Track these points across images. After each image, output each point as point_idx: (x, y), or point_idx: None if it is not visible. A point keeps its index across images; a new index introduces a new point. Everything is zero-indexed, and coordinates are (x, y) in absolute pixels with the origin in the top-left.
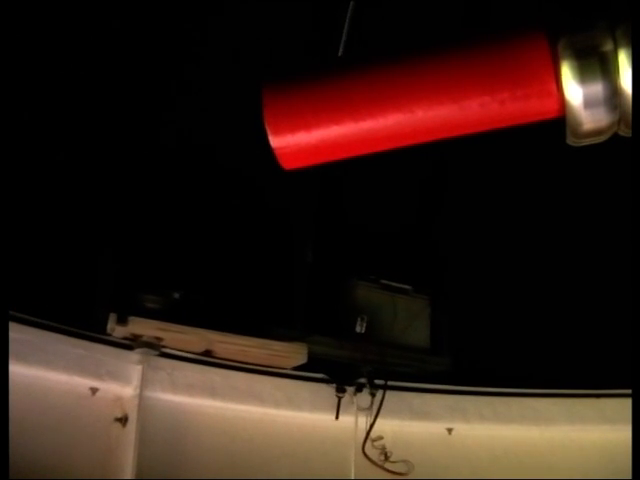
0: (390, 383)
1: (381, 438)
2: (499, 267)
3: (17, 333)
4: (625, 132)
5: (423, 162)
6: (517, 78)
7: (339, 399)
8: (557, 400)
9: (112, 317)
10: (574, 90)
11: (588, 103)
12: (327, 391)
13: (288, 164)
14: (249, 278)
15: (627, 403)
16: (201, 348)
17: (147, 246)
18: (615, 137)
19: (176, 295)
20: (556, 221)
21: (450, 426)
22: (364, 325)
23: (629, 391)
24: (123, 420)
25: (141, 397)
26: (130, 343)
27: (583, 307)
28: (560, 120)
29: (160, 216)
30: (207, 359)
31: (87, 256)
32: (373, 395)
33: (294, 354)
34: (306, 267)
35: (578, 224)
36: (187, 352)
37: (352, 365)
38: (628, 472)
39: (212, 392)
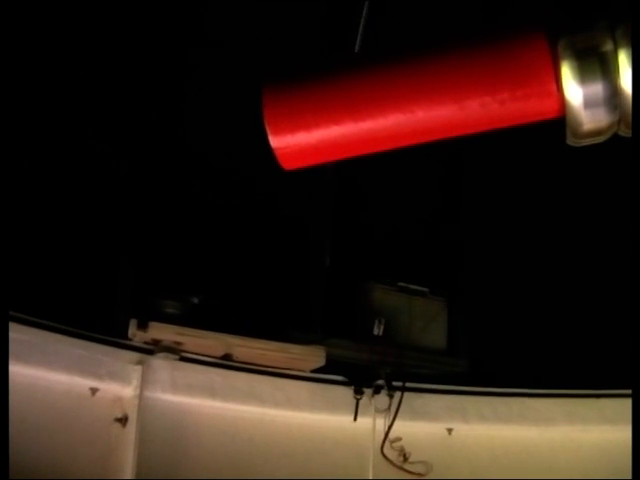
0: (408, 384)
1: (399, 439)
2: (511, 268)
3: (17, 333)
4: (625, 132)
5: (439, 165)
6: (517, 78)
7: (357, 401)
8: (557, 400)
9: (133, 323)
10: (574, 90)
11: (588, 103)
12: (345, 393)
13: (288, 164)
14: (267, 282)
15: (627, 403)
16: (220, 352)
17: (166, 252)
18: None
19: (195, 300)
20: (566, 223)
21: (450, 426)
22: (382, 327)
23: (629, 391)
24: (123, 420)
25: (141, 397)
26: (151, 348)
27: (583, 307)
28: (560, 120)
29: (178, 223)
30: (207, 359)
31: (107, 263)
32: (391, 397)
33: (312, 357)
34: (324, 271)
35: (586, 225)
36: (207, 356)
37: (370, 367)
38: (628, 472)
39: (212, 392)
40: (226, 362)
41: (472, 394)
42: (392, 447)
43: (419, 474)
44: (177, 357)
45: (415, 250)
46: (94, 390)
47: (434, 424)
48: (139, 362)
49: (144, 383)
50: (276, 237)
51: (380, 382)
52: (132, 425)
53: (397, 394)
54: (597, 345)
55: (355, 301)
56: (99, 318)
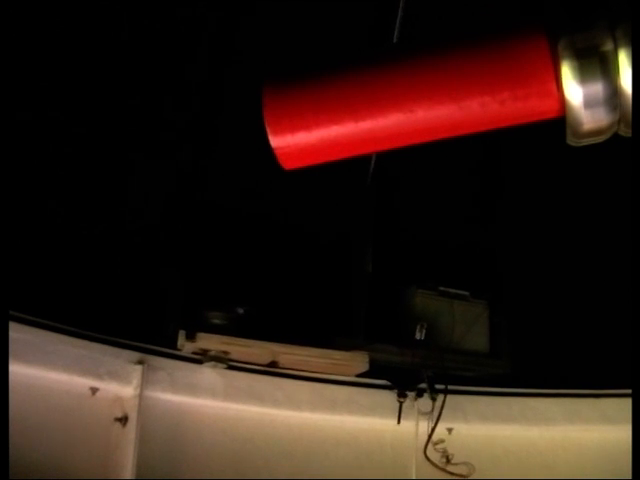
0: (450, 387)
1: (442, 441)
2: (547, 270)
3: (17, 333)
4: (625, 132)
5: (478, 168)
6: (517, 78)
7: (400, 404)
8: (557, 400)
9: (181, 334)
10: (574, 90)
11: (588, 103)
12: (389, 397)
13: (288, 164)
14: (310, 291)
15: (627, 403)
16: (266, 360)
17: (211, 266)
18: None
19: (240, 311)
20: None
21: (450, 426)
22: (423, 332)
23: (629, 391)
24: (123, 420)
25: (141, 397)
26: (199, 357)
27: (582, 307)
28: (560, 120)
29: (222, 236)
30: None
31: (155, 276)
32: (434, 399)
33: (355, 362)
34: (366, 277)
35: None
36: (253, 364)
37: (413, 371)
38: (628, 472)
39: (212, 392)
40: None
41: (472, 394)
42: (435, 449)
43: (462, 475)
44: (225, 366)
45: (456, 254)
46: (94, 390)
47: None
48: (139, 362)
49: (144, 383)
50: (318, 246)
51: (423, 385)
52: (132, 425)
53: (439, 396)
54: (597, 345)
55: (397, 306)
56: (150, 329)
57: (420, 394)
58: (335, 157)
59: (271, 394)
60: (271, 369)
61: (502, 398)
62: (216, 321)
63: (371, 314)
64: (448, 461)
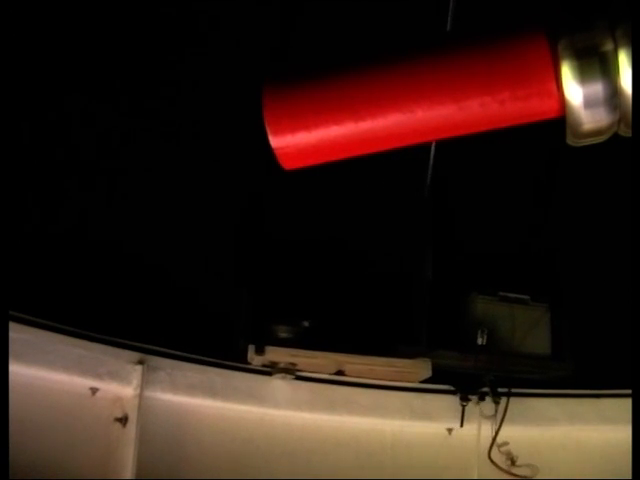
0: (514, 390)
1: (507, 444)
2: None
3: (17, 333)
4: (625, 132)
5: (534, 172)
6: (517, 78)
7: (463, 408)
8: (557, 400)
9: (251, 348)
10: (574, 90)
11: (588, 103)
12: (451, 401)
13: (288, 164)
14: (372, 301)
15: (627, 403)
16: (333, 370)
17: (275, 282)
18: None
19: (306, 324)
20: None
21: (450, 426)
22: (485, 337)
23: (629, 391)
24: (123, 420)
25: (141, 397)
26: (269, 370)
27: (583, 307)
28: (560, 120)
29: (286, 254)
30: (206, 359)
31: (226, 294)
32: (497, 403)
33: (418, 369)
34: (427, 285)
35: None
36: (320, 373)
37: (475, 375)
38: (628, 472)
39: (212, 392)
40: (226, 362)
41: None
42: (500, 451)
43: (526, 476)
44: (293, 377)
45: (514, 258)
46: (94, 390)
47: (434, 424)
48: (139, 362)
49: (144, 383)
50: (378, 257)
51: (485, 389)
52: (132, 425)
53: (502, 400)
54: (597, 345)
55: (458, 313)
56: (220, 344)
57: (482, 398)
58: (335, 157)
59: (271, 394)
60: (269, 369)
61: (502, 398)
62: (283, 335)
63: (433, 321)
64: (513, 463)
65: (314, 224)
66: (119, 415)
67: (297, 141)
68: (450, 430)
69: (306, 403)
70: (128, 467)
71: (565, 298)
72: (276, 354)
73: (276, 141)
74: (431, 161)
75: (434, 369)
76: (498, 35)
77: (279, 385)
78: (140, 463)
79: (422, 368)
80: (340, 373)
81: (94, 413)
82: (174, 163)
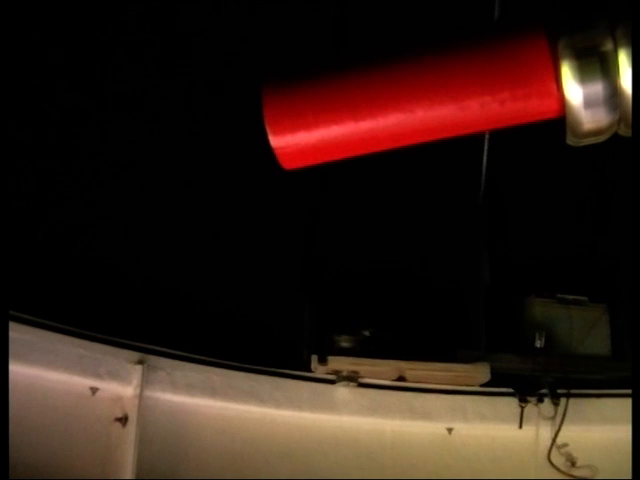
0: (573, 391)
1: (566, 445)
2: None
3: (17, 333)
4: (625, 132)
5: (589, 171)
6: (517, 78)
7: (522, 409)
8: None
9: (314, 358)
10: (574, 90)
11: (588, 103)
12: (509, 403)
13: (288, 164)
14: (430, 307)
15: (627, 403)
16: (394, 376)
17: (336, 293)
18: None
19: (366, 333)
20: None
21: (450, 426)
22: (543, 340)
23: (629, 391)
24: (123, 420)
25: (141, 397)
26: (332, 378)
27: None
28: (560, 120)
29: (345, 266)
30: (206, 359)
31: (289, 307)
32: (556, 404)
33: (477, 373)
34: (484, 290)
35: None
36: (382, 380)
37: (534, 377)
38: (628, 472)
39: (212, 392)
40: (226, 362)
41: (472, 394)
42: (560, 453)
43: (586, 477)
44: (356, 384)
45: (571, 260)
46: (94, 390)
47: (434, 424)
48: (139, 362)
49: (144, 383)
50: (435, 265)
51: (544, 390)
52: (132, 425)
53: (562, 401)
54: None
55: (516, 316)
56: (287, 356)
57: (541, 399)
58: (335, 157)
59: (271, 394)
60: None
61: (502, 398)
62: (345, 344)
63: (491, 325)
64: (573, 465)
65: (372, 236)
66: (119, 415)
67: (297, 141)
68: (450, 430)
69: (306, 403)
70: (128, 467)
71: (624, 297)
72: (338, 363)
73: (276, 141)
74: (484, 167)
75: (493, 372)
76: (498, 35)
77: (279, 385)
78: (140, 463)
79: (481, 372)
80: (401, 379)
81: (94, 413)
82: (233, 170)
